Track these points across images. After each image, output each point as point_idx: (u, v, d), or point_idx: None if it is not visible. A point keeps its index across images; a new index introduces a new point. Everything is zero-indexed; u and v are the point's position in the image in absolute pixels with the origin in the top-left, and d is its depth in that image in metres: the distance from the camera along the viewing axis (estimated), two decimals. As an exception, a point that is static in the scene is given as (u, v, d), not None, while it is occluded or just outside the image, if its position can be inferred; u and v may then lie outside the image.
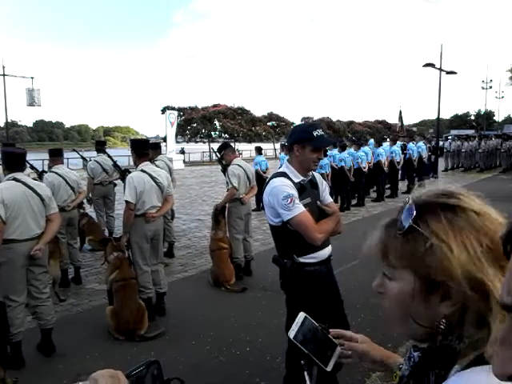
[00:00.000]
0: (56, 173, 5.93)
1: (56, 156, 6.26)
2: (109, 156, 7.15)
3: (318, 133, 2.78)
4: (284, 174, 2.81)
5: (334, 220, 2.87)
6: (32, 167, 6.94)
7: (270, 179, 2.88)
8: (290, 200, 2.66)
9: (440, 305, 0.73)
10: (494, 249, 0.69)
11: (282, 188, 2.71)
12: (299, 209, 2.67)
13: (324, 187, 3.00)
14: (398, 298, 0.77)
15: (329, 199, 3.01)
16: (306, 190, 2.83)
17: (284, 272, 2.86)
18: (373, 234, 0.81)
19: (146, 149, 5.11)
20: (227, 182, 6.20)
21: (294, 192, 2.71)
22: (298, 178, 2.81)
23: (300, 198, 2.73)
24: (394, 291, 0.77)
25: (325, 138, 2.87)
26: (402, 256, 0.75)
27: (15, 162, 4.00)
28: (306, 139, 2.77)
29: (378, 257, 0.79)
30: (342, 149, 12.06)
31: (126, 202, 4.70)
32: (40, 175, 6.59)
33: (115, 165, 6.94)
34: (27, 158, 4.64)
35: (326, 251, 2.89)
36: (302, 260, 2.79)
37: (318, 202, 2.89)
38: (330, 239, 2.95)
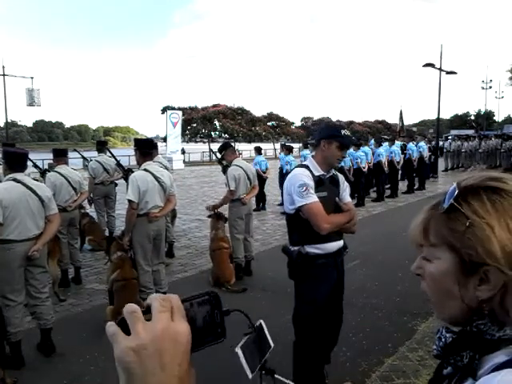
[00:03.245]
0: (59, 173, 5.91)
1: (60, 156, 6.23)
2: (112, 155, 7.14)
3: (345, 132, 3.03)
4: (305, 166, 3.05)
5: (346, 216, 3.00)
6: (35, 166, 6.94)
7: (292, 169, 3.18)
8: (304, 188, 2.87)
9: (478, 288, 0.72)
10: None
11: (300, 177, 2.94)
12: (312, 198, 2.87)
13: (345, 187, 3.19)
14: (436, 278, 0.77)
15: (347, 199, 3.18)
16: (324, 184, 3.01)
17: (291, 261, 3.01)
18: (417, 218, 0.82)
19: (150, 148, 5.12)
20: (226, 184, 6.21)
21: (311, 183, 2.91)
22: (318, 171, 3.01)
23: (316, 190, 2.91)
24: (431, 271, 0.77)
25: (350, 138, 3.13)
26: (442, 234, 0.75)
27: (16, 162, 4.01)
28: (334, 136, 2.98)
29: (420, 238, 0.79)
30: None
31: (129, 201, 4.69)
32: (42, 174, 6.58)
33: (118, 164, 6.95)
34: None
35: (335, 245, 3.01)
36: (308, 249, 2.94)
37: (337, 199, 3.05)
38: (342, 235, 3.08)
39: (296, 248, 2.97)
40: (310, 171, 2.98)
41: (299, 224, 2.94)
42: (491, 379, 0.65)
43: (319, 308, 2.97)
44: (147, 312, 0.58)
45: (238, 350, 1.28)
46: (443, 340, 0.77)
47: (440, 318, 0.80)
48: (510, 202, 0.71)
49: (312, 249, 2.94)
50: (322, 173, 3.01)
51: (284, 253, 3.06)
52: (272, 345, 1.39)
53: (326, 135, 3.00)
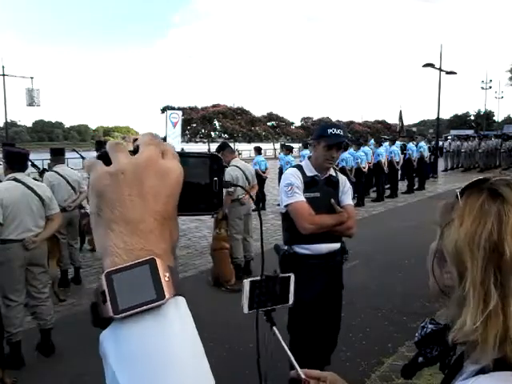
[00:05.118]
0: (57, 172, 5.91)
1: (57, 155, 6.23)
2: None
3: (332, 131, 2.88)
4: (299, 166, 3.05)
5: (334, 218, 2.91)
6: (34, 165, 6.93)
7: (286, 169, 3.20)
8: (289, 188, 2.87)
9: (445, 275, 0.76)
10: (500, 251, 0.66)
11: (288, 176, 2.94)
12: (296, 198, 2.85)
13: (346, 190, 3.08)
14: (429, 253, 0.82)
15: (346, 202, 3.07)
16: (318, 185, 2.96)
17: (279, 259, 3.01)
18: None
19: None
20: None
21: (298, 182, 2.89)
22: (312, 172, 2.97)
23: (307, 191, 2.89)
24: (430, 246, 0.83)
25: (339, 136, 2.90)
26: (442, 215, 0.79)
27: (17, 162, 4.02)
28: (321, 136, 2.92)
29: (438, 216, 0.82)
30: (344, 149, 12.08)
31: None
32: (41, 174, 6.58)
33: None
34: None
35: (325, 247, 2.95)
36: (296, 249, 2.93)
37: (332, 201, 2.95)
38: (339, 238, 3.01)
39: (285, 247, 2.99)
40: (303, 171, 2.97)
41: (289, 223, 2.94)
42: None
43: (307, 308, 2.91)
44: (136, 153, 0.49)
45: (246, 281, 1.19)
46: (424, 330, 0.82)
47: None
48: (498, 211, 0.68)
49: (300, 248, 2.93)
50: (316, 173, 2.97)
51: (275, 250, 3.08)
52: (291, 302, 1.27)
53: (316, 135, 3.01)
